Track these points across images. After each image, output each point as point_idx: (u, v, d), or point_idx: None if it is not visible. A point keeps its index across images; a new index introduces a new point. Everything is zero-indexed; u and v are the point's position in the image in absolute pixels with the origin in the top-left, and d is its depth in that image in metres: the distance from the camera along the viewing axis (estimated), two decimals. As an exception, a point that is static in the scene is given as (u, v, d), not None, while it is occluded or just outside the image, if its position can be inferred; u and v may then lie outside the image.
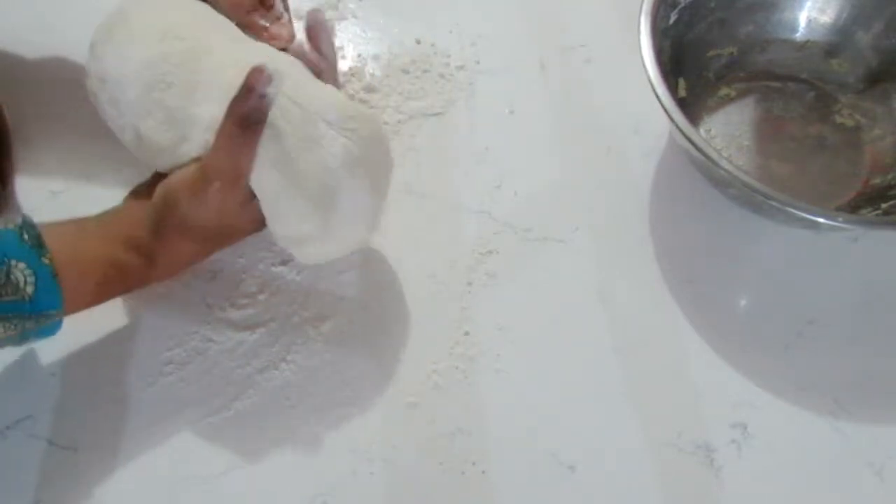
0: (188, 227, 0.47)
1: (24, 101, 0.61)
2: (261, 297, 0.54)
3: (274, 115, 0.44)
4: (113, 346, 0.52)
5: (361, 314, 0.53)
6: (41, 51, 0.65)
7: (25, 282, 0.40)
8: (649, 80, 0.52)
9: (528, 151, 0.61)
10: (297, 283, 0.54)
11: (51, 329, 0.44)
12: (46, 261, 0.41)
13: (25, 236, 0.41)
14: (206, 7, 0.51)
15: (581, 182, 0.60)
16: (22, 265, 0.40)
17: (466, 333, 0.52)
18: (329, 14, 0.69)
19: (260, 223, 0.48)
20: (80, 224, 0.46)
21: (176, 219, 0.46)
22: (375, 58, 0.66)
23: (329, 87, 0.48)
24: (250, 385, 0.50)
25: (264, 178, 0.45)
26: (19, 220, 0.42)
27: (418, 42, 0.66)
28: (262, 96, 0.42)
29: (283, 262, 0.55)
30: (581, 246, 0.57)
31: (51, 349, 0.51)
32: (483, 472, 0.48)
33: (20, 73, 0.63)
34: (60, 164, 0.59)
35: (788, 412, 0.50)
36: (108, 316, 0.53)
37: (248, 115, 0.43)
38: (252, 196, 0.46)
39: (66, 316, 0.44)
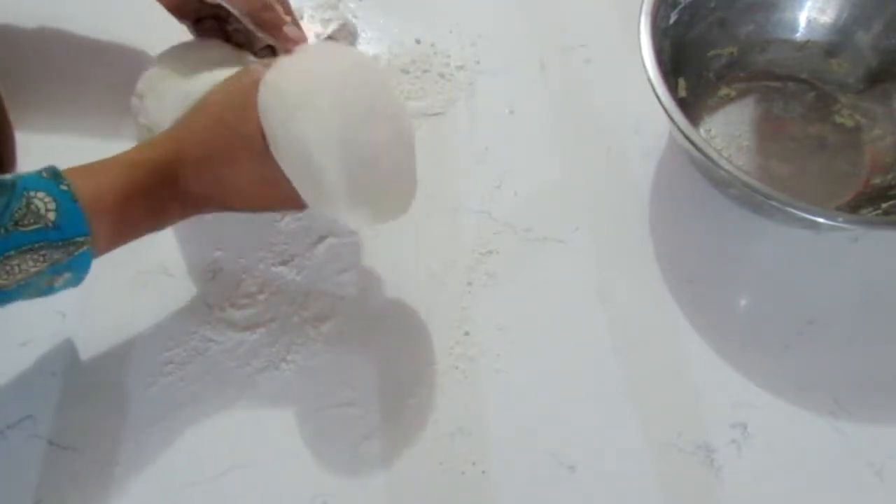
0: (205, 162, 0.45)
1: (25, 96, 0.61)
2: (261, 297, 0.54)
3: None
4: (113, 346, 0.52)
5: (361, 314, 0.53)
6: (43, 46, 0.65)
7: (46, 209, 0.40)
8: (649, 80, 0.52)
9: (528, 151, 0.61)
10: (297, 283, 0.54)
11: (80, 264, 0.42)
12: (64, 187, 0.41)
13: (44, 174, 0.41)
14: (227, 48, 0.53)
15: (581, 182, 0.60)
16: (41, 194, 0.40)
17: (466, 333, 0.52)
18: (329, 14, 0.69)
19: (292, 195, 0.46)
20: (97, 161, 0.45)
21: (196, 137, 0.45)
22: (375, 58, 0.66)
23: None
24: (250, 385, 0.50)
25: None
26: (41, 168, 0.42)
27: (418, 42, 0.67)
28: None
29: (283, 262, 0.55)
30: (581, 246, 0.57)
31: (51, 349, 0.51)
32: (483, 472, 0.48)
33: (22, 69, 0.63)
34: (62, 164, 0.59)
35: (788, 412, 0.50)
36: (109, 316, 0.53)
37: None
38: None
39: (99, 250, 0.43)
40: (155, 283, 0.54)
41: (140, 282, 0.54)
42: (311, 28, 0.68)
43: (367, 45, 0.67)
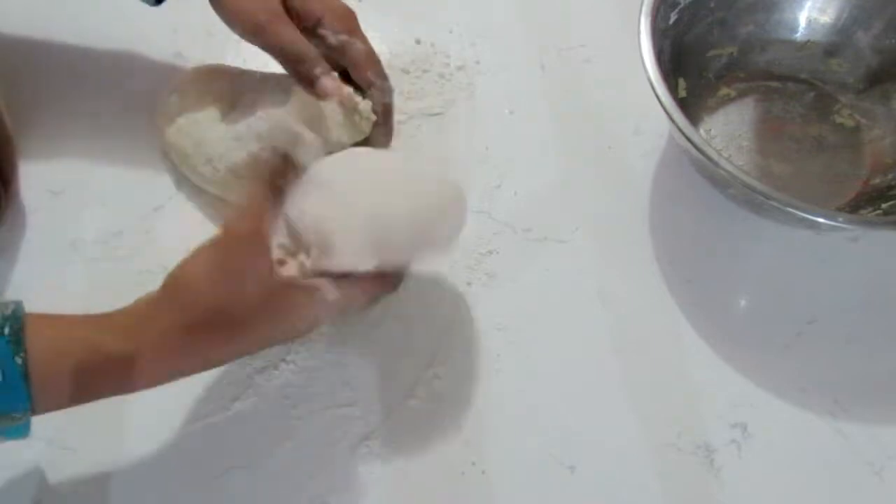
0: (202, 310, 0.40)
1: (24, 101, 0.61)
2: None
3: None
4: (113, 346, 0.52)
5: (361, 314, 0.53)
6: (43, 51, 0.65)
7: None
8: (649, 80, 0.52)
9: (528, 151, 0.61)
10: (297, 283, 0.54)
11: (17, 430, 0.39)
12: (19, 360, 0.37)
13: (7, 329, 0.37)
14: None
15: (581, 182, 0.60)
16: None
17: (467, 334, 0.52)
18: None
19: (296, 320, 0.42)
20: (73, 322, 0.41)
21: (187, 296, 0.41)
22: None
23: None
24: (250, 385, 0.50)
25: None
26: (10, 309, 0.38)
27: (418, 42, 0.66)
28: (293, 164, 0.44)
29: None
30: (581, 246, 0.57)
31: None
32: (483, 472, 0.48)
33: (21, 73, 0.63)
34: (61, 165, 0.59)
35: (788, 412, 0.50)
36: (108, 316, 0.53)
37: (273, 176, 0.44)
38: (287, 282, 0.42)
39: (40, 413, 0.39)
40: (155, 284, 0.54)
41: (140, 282, 0.54)
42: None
43: (367, 45, 0.66)
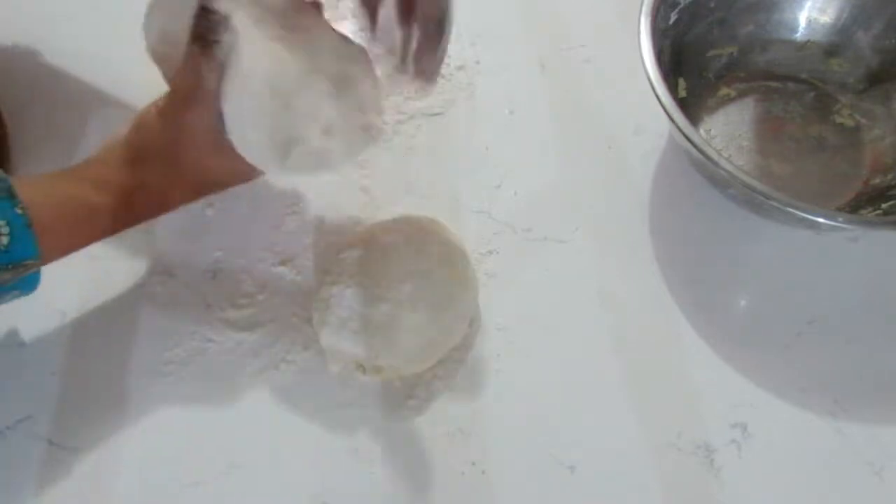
0: (160, 158, 0.47)
1: (23, 99, 0.62)
2: (261, 297, 0.54)
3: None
4: (113, 346, 0.52)
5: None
6: (40, 48, 0.65)
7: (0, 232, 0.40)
8: (649, 80, 0.52)
9: (528, 151, 0.61)
10: (297, 284, 0.54)
11: (29, 282, 0.43)
12: (19, 210, 0.41)
13: None
14: None
15: (581, 182, 0.60)
16: None
17: (466, 333, 0.52)
18: (329, 14, 0.68)
19: (240, 166, 0.47)
20: (52, 173, 0.46)
21: (147, 150, 0.47)
22: (375, 58, 0.65)
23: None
24: (250, 385, 0.50)
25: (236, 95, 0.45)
26: None
27: (418, 42, 0.66)
28: (212, 12, 0.44)
29: (283, 263, 0.55)
30: (581, 246, 0.57)
31: (51, 349, 0.51)
32: (483, 472, 0.48)
33: (19, 69, 0.64)
34: (61, 164, 0.59)
35: (788, 412, 0.50)
36: (108, 316, 0.53)
37: (200, 33, 0.45)
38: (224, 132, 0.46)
39: (45, 264, 0.43)
40: (155, 283, 0.54)
41: (140, 282, 0.54)
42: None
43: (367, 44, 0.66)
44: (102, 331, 0.52)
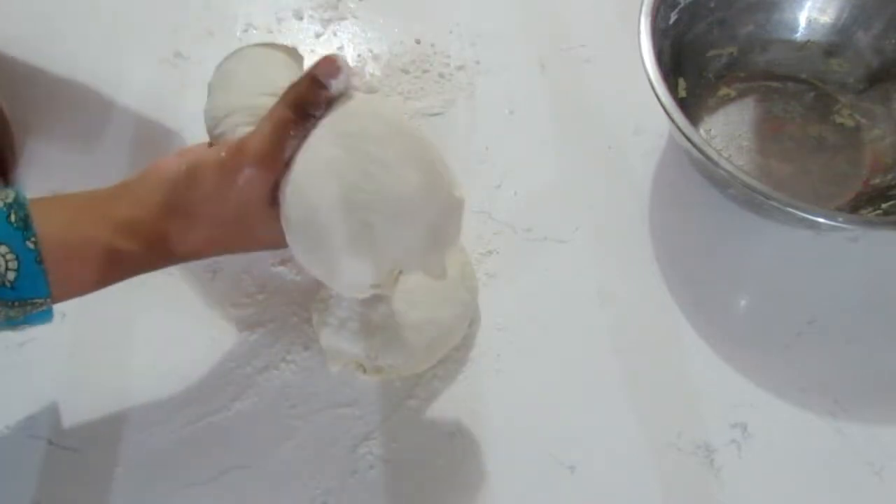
0: (202, 212, 0.42)
1: (24, 99, 0.62)
2: (261, 297, 0.54)
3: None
4: (113, 347, 0.52)
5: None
6: (43, 49, 0.65)
7: (7, 267, 0.37)
8: (649, 80, 0.52)
9: (528, 151, 0.61)
10: (297, 283, 0.54)
11: (41, 316, 0.41)
12: (31, 244, 0.38)
13: (13, 217, 0.38)
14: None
15: (581, 182, 0.60)
16: (3, 248, 0.37)
17: (466, 334, 0.52)
18: (329, 14, 0.69)
19: (278, 237, 0.43)
20: (76, 202, 0.42)
21: (190, 200, 0.42)
22: (375, 58, 0.66)
23: None
24: (250, 385, 0.50)
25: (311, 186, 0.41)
26: (11, 197, 0.39)
27: (418, 42, 0.67)
28: (323, 87, 0.41)
29: (283, 262, 0.55)
30: (581, 246, 0.57)
31: (51, 349, 0.51)
32: (483, 472, 0.48)
33: (21, 71, 0.64)
34: (61, 163, 0.59)
35: (788, 412, 0.50)
36: (108, 316, 0.53)
37: (302, 101, 0.41)
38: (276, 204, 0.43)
39: (57, 303, 0.41)
40: (155, 283, 0.54)
41: (140, 282, 0.54)
42: (312, 28, 0.68)
43: (368, 44, 0.67)
44: (102, 331, 0.52)
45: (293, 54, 0.49)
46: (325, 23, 0.68)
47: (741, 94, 0.63)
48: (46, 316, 0.41)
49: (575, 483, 0.47)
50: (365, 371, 0.49)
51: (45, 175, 0.58)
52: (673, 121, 0.51)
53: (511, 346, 0.52)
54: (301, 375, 0.51)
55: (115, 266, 0.43)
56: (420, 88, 0.64)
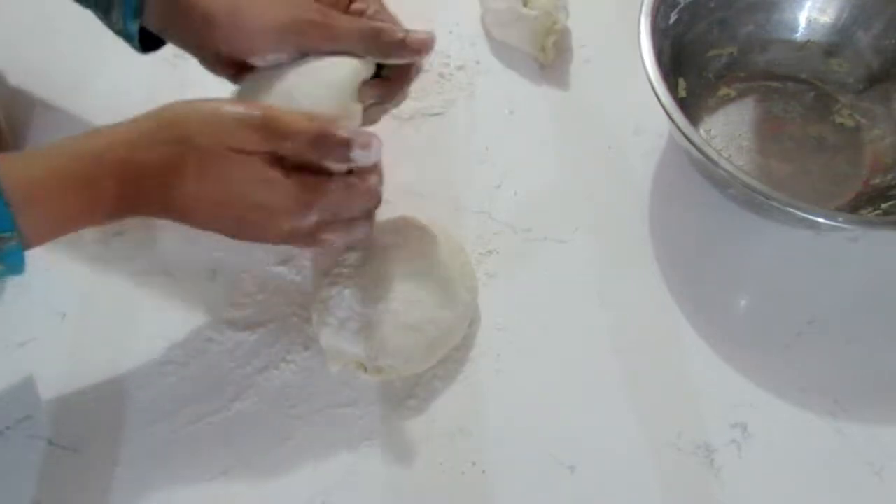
0: (201, 168, 0.42)
1: (24, 101, 0.62)
2: (261, 297, 0.54)
3: None
4: (113, 346, 0.52)
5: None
6: (42, 49, 0.65)
7: None
8: (649, 80, 0.52)
9: (528, 151, 0.61)
10: (297, 283, 0.54)
11: (10, 258, 0.40)
12: None
13: None
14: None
15: (581, 182, 0.60)
16: None
17: (466, 334, 0.52)
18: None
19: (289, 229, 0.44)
20: (55, 144, 0.42)
21: (188, 151, 0.41)
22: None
23: None
24: (250, 385, 0.50)
25: None
26: None
27: (418, 42, 0.66)
28: (348, 154, 0.43)
29: (283, 262, 0.55)
30: (581, 246, 0.57)
31: (51, 349, 0.51)
32: (483, 472, 0.48)
33: (20, 72, 0.64)
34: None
35: (788, 412, 0.50)
36: (109, 316, 0.53)
37: (326, 152, 0.43)
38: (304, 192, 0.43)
39: (30, 242, 0.41)
40: (155, 283, 0.54)
41: (140, 282, 0.54)
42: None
43: (367, 45, 0.66)
44: (102, 331, 0.52)
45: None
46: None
47: (741, 94, 0.63)
48: (16, 252, 0.40)
49: (575, 483, 0.47)
50: (365, 371, 0.49)
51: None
52: (673, 121, 0.51)
53: (511, 346, 0.52)
54: (301, 375, 0.51)
55: (89, 207, 0.42)
56: (420, 88, 0.64)
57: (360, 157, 0.43)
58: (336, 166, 0.44)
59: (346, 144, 0.43)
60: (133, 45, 0.51)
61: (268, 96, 0.46)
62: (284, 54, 0.47)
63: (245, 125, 0.42)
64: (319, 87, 0.46)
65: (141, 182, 0.42)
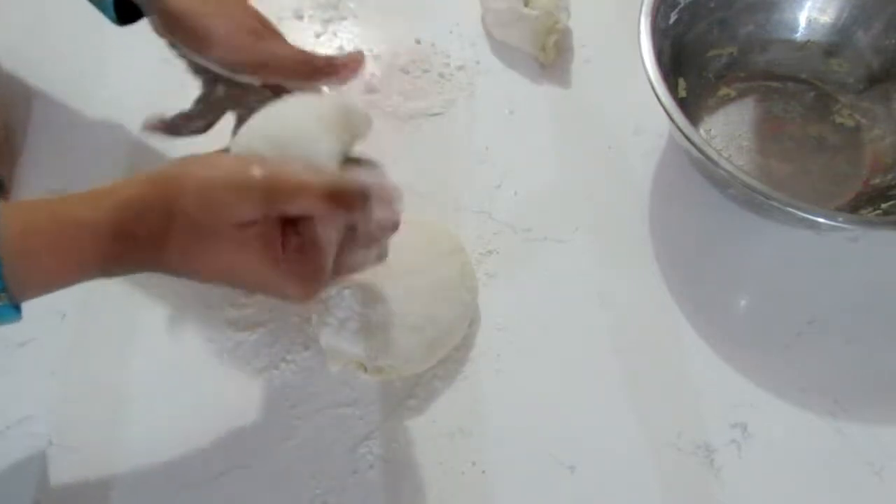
0: (199, 237, 0.38)
1: (24, 101, 0.62)
2: (261, 296, 0.54)
3: None
4: (113, 346, 0.52)
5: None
6: (42, 49, 0.65)
7: None
8: (649, 80, 0.52)
9: (528, 151, 0.61)
10: (297, 283, 0.54)
11: (5, 313, 0.38)
12: None
13: None
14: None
15: (581, 182, 0.60)
16: None
17: (466, 334, 0.52)
18: (329, 14, 0.69)
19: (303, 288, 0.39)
20: (39, 204, 0.40)
21: (185, 228, 0.38)
22: (375, 58, 0.66)
23: None
24: (250, 385, 0.50)
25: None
26: None
27: (418, 42, 0.66)
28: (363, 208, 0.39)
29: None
30: (581, 246, 0.57)
31: (51, 349, 0.51)
32: (483, 472, 0.48)
33: (21, 72, 0.64)
34: (61, 165, 0.59)
35: (788, 412, 0.50)
36: (109, 316, 0.53)
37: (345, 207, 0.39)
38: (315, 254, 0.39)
39: (23, 300, 0.39)
40: (155, 283, 0.54)
41: (139, 282, 0.54)
42: (312, 28, 0.68)
43: (368, 44, 0.66)
44: (102, 331, 0.52)
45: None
46: (325, 23, 0.68)
47: (741, 94, 0.63)
48: (8, 313, 0.38)
49: (575, 483, 0.47)
50: (365, 371, 0.49)
51: (45, 177, 0.58)
52: (673, 121, 0.51)
53: (511, 346, 0.52)
54: (301, 375, 0.51)
55: (78, 269, 0.40)
56: (420, 88, 0.64)
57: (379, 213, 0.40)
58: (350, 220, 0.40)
59: (362, 197, 0.39)
60: (108, 16, 0.52)
61: (264, 145, 0.41)
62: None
63: (245, 197, 0.38)
64: (310, 121, 0.42)
65: (131, 252, 0.40)
